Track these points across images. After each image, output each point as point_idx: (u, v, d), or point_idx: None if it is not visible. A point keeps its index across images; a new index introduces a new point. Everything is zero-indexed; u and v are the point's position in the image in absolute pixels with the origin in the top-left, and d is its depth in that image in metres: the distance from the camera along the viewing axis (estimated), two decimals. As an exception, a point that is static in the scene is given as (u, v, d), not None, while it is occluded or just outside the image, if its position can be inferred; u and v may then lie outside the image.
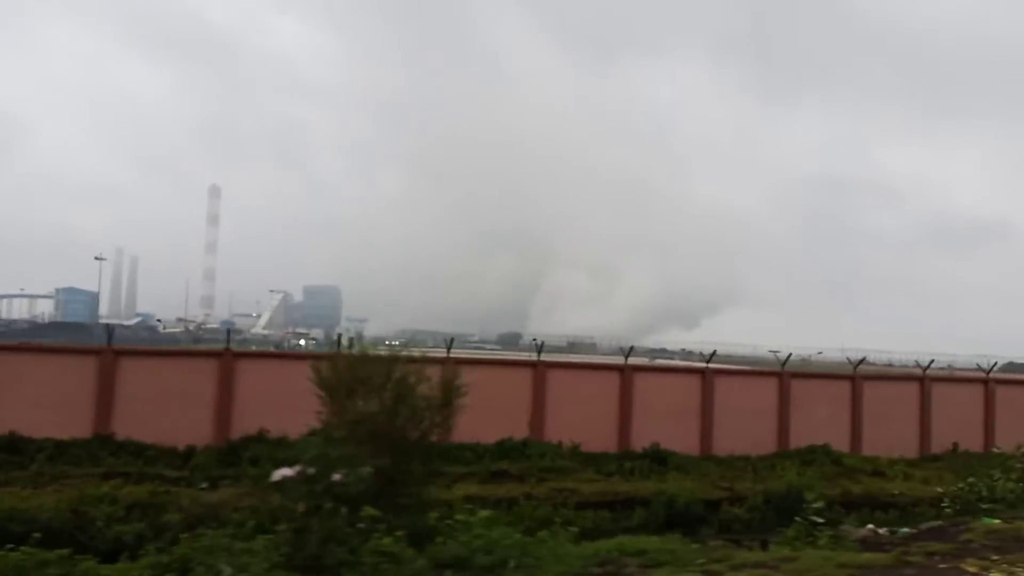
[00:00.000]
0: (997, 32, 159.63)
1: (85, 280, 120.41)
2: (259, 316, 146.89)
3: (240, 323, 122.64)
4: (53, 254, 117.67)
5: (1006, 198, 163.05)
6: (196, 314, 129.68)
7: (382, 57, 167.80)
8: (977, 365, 26.87)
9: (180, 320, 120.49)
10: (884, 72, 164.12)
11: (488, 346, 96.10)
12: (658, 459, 18.87)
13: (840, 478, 18.37)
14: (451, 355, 18.31)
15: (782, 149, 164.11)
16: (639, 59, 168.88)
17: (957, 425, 23.28)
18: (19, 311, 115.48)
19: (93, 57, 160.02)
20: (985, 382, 24.13)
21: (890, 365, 50.67)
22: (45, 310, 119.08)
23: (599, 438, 19.52)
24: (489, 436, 17.98)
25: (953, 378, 26.25)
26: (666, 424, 20.15)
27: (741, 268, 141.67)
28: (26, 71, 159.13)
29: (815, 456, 20.58)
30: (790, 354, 27.58)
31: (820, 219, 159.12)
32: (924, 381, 23.38)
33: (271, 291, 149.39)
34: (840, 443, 21.53)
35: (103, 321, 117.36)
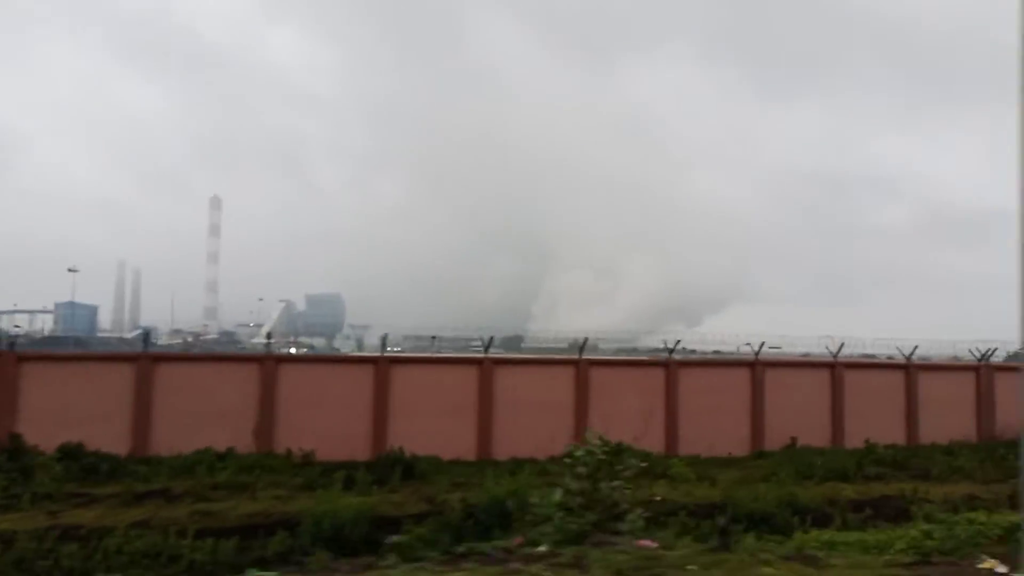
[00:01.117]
0: (994, 17, 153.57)
1: (89, 295, 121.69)
2: (260, 326, 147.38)
3: (242, 333, 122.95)
4: (54, 269, 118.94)
5: (1008, 186, 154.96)
6: (198, 325, 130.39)
7: (377, 65, 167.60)
8: (898, 350, 24.67)
9: (176, 331, 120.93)
10: (879, 64, 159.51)
11: (493, 350, 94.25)
12: (406, 467, 16.68)
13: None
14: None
15: (779, 145, 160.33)
16: (631, 59, 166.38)
17: (799, 416, 20.86)
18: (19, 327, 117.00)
19: (90, 73, 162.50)
20: (832, 366, 21.61)
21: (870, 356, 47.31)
22: (45, 325, 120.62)
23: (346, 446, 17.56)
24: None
25: (790, 363, 23.69)
26: (438, 424, 18.15)
27: (743, 264, 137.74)
28: (24, 88, 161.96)
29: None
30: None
31: (820, 213, 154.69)
32: (756, 367, 20.94)
33: (278, 300, 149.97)
34: (651, 441, 19.27)
35: (102, 335, 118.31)
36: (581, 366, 19.56)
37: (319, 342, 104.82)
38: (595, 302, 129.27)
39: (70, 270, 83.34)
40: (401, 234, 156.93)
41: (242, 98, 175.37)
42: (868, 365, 24.26)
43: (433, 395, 18.34)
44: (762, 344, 21.29)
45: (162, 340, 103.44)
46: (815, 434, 20.67)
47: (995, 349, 23.18)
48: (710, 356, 34.59)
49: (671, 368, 20.12)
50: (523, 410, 18.70)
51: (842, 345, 22.05)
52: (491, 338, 20.28)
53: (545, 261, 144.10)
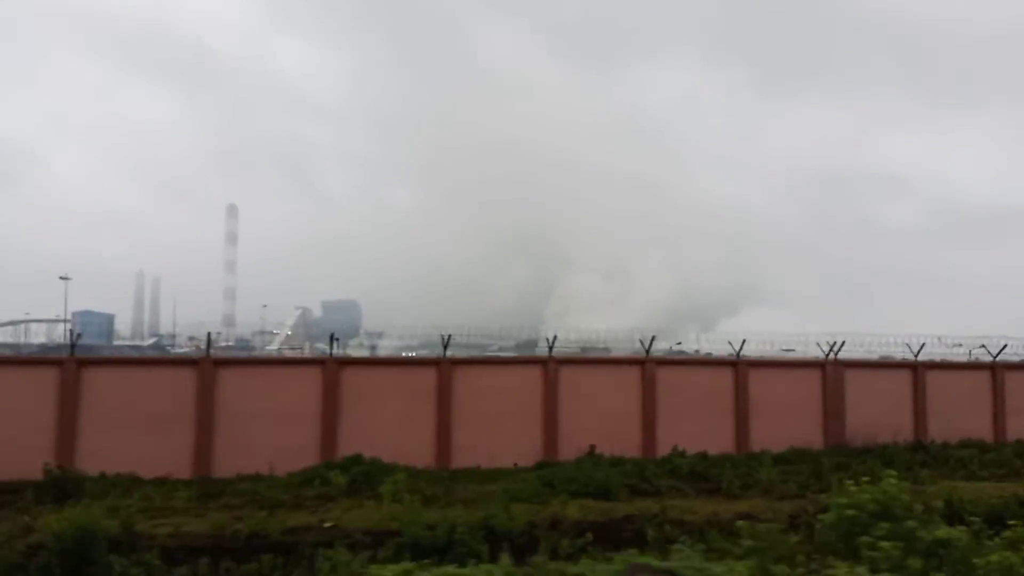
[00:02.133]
0: (1007, 15, 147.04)
1: (109, 305, 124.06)
2: (277, 333, 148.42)
3: (258, 340, 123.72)
4: (73, 280, 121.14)
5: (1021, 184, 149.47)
6: (216, 332, 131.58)
7: (384, 73, 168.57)
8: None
9: (191, 339, 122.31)
10: (887, 61, 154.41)
11: (506, 354, 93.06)
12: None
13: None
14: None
15: (788, 145, 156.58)
16: (637, 62, 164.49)
17: (601, 421, 18.56)
18: (36, 336, 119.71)
19: (102, 87, 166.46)
20: (642, 363, 19.20)
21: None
22: (62, 334, 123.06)
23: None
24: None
25: (590, 360, 21.32)
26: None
27: (756, 266, 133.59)
28: (39, 102, 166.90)
29: (364, 467, 16.30)
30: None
31: (833, 213, 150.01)
32: (548, 365, 18.66)
33: (294, 307, 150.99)
34: (418, 451, 17.32)
35: (118, 343, 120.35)
36: (329, 366, 17.77)
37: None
38: (607, 305, 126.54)
39: (62, 278, 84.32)
40: (414, 240, 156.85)
41: (253, 108, 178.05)
42: (692, 362, 21.87)
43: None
44: (552, 341, 19.34)
45: (179, 349, 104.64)
46: (621, 441, 18.34)
47: (842, 343, 20.61)
48: (491, 355, 32.15)
49: (443, 367, 18.02)
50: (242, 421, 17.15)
51: (671, 344, 19.76)
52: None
53: (558, 264, 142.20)
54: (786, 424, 19.45)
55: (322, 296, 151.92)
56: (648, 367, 19.04)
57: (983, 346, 22.98)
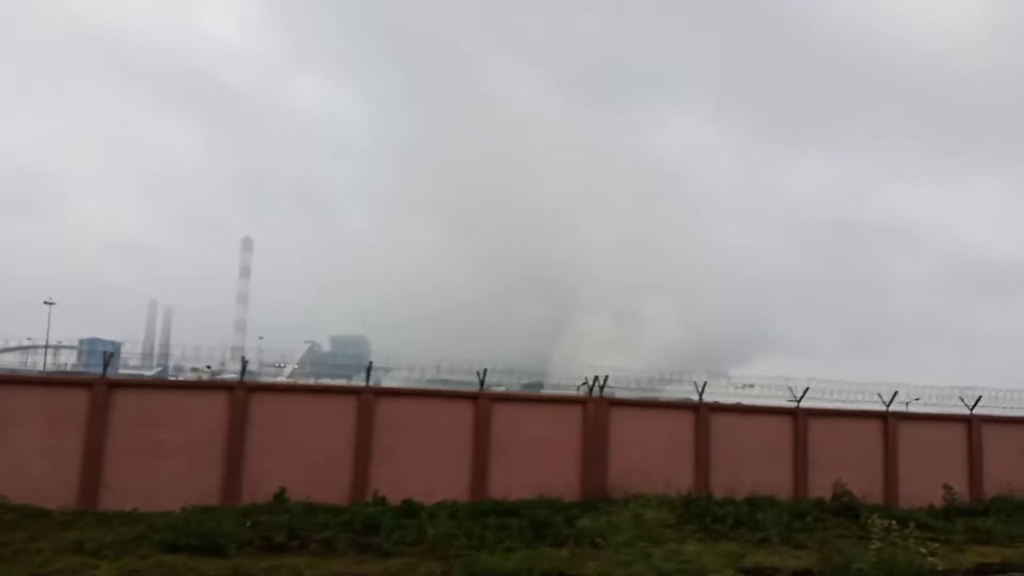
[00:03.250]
0: (1013, 65, 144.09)
1: (121, 333, 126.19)
2: (284, 366, 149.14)
3: (267, 373, 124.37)
4: (85, 307, 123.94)
5: None
6: (227, 364, 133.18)
7: (401, 111, 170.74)
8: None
9: (194, 370, 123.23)
10: (897, 112, 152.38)
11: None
12: None
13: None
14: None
15: (798, 193, 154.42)
16: (648, 105, 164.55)
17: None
18: (44, 362, 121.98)
19: (125, 118, 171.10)
20: (358, 392, 17.65)
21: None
22: (68, 361, 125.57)
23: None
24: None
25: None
26: None
27: (766, 315, 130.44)
28: (59, 131, 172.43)
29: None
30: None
31: (842, 262, 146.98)
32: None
33: (303, 341, 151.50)
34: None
35: (124, 372, 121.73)
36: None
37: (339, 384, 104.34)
38: (616, 347, 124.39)
39: (46, 303, 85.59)
40: (426, 277, 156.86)
41: (271, 143, 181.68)
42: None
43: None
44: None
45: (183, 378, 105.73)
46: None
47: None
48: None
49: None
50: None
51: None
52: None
53: (567, 305, 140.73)
54: (543, 468, 17.93)
55: (332, 331, 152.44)
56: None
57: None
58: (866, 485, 19.70)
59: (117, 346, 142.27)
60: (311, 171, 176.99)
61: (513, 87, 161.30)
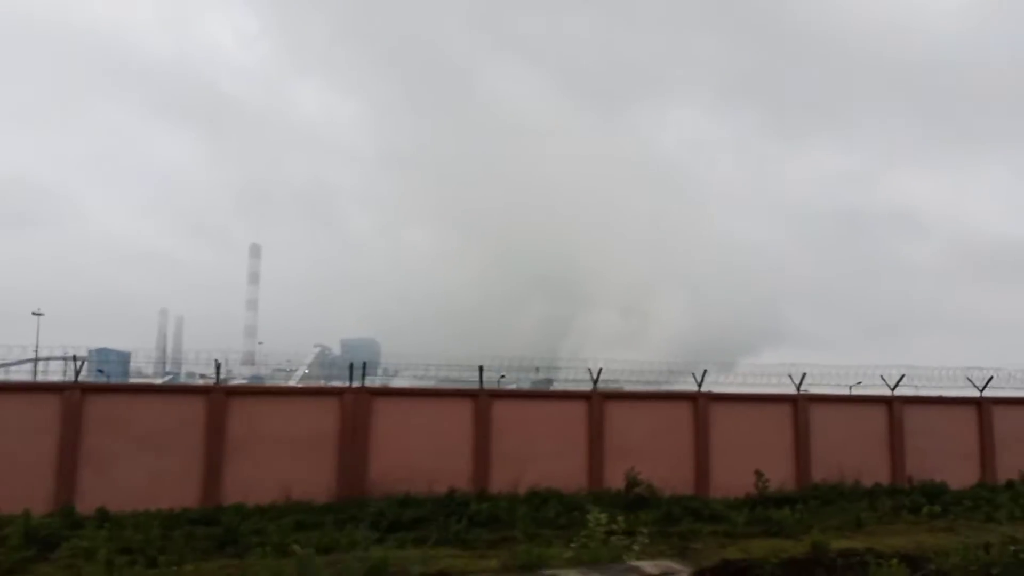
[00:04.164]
0: (1018, 52, 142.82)
1: (132, 342, 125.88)
2: (294, 371, 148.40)
3: (276, 377, 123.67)
4: (97, 318, 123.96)
5: None
6: (237, 370, 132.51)
7: (402, 115, 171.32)
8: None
9: (202, 376, 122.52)
10: (897, 101, 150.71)
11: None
12: None
13: None
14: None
15: (802, 185, 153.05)
16: (648, 105, 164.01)
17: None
18: (55, 373, 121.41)
19: (132, 131, 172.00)
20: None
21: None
22: (74, 372, 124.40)
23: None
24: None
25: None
26: None
27: (775, 307, 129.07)
28: (70, 146, 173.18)
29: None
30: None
31: (849, 251, 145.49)
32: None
33: (312, 346, 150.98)
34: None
35: (134, 381, 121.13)
36: None
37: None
38: (623, 343, 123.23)
39: (34, 313, 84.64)
40: (433, 279, 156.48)
41: (276, 150, 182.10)
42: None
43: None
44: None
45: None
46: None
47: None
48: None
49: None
50: None
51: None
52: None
53: (573, 303, 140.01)
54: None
55: (341, 334, 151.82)
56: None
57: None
58: (677, 473, 18.36)
59: (127, 356, 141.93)
60: (315, 177, 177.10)
61: (514, 88, 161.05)
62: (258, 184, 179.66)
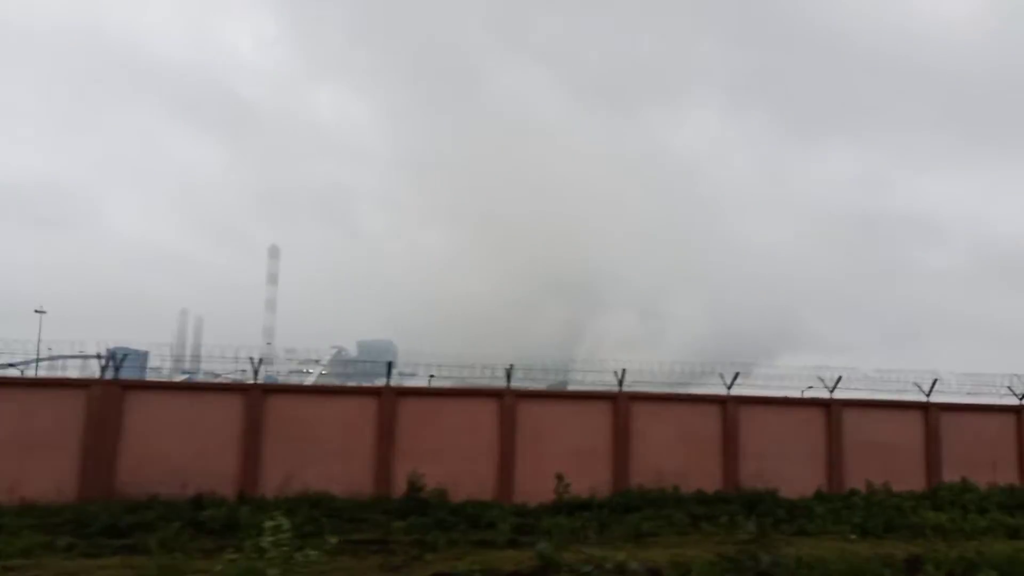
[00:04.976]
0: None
1: (152, 343, 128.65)
2: (311, 372, 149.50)
3: (293, 379, 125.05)
4: (119, 318, 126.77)
5: None
6: (236, 371, 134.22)
7: (416, 117, 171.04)
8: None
9: (216, 376, 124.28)
10: (913, 103, 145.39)
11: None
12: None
13: None
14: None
15: (818, 187, 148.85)
16: (660, 106, 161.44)
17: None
18: (72, 372, 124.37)
19: (151, 134, 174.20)
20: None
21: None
22: (95, 371, 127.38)
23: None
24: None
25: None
26: None
27: (791, 310, 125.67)
28: (90, 148, 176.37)
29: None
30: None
31: (866, 256, 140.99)
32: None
33: (330, 347, 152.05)
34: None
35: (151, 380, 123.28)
36: None
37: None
38: (639, 345, 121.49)
39: (36, 311, 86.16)
40: (449, 280, 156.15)
41: (293, 153, 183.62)
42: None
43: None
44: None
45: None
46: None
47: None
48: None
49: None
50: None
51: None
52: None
53: (589, 305, 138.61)
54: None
55: (360, 335, 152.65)
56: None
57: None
58: (476, 477, 17.05)
59: (144, 355, 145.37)
60: (332, 180, 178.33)
61: (530, 90, 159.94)
62: (277, 187, 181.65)
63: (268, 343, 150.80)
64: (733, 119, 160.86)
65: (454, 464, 16.96)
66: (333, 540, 11.03)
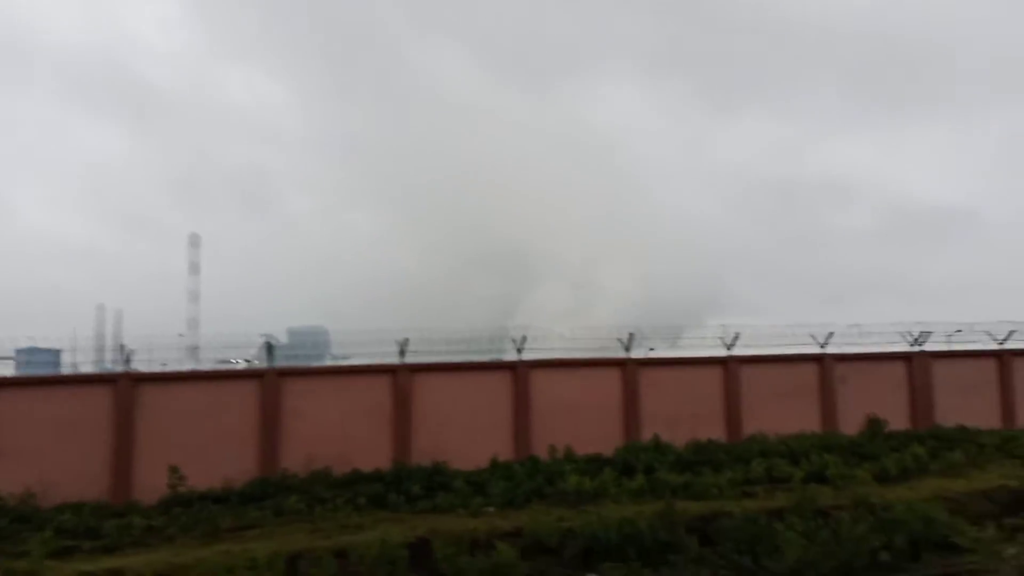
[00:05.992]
0: (946, 21, 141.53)
1: (67, 341, 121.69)
2: (238, 362, 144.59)
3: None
4: (31, 316, 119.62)
5: (968, 185, 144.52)
6: (181, 363, 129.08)
7: (333, 98, 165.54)
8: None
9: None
10: (826, 71, 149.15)
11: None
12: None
13: None
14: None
15: (738, 157, 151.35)
16: (577, 79, 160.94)
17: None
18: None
19: (53, 124, 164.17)
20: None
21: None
22: (5, 372, 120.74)
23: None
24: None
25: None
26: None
27: (717, 276, 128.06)
28: None
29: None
30: None
31: (786, 221, 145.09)
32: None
33: (257, 335, 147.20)
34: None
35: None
36: None
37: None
38: (570, 317, 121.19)
39: None
40: (378, 262, 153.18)
41: (206, 137, 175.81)
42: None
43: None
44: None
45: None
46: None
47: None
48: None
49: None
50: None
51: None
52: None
53: (519, 280, 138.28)
54: None
55: (289, 323, 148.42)
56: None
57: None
58: (85, 474, 14.29)
59: (57, 354, 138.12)
60: (250, 164, 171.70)
61: (444, 67, 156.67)
62: (193, 174, 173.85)
63: (180, 335, 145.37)
64: (651, 92, 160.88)
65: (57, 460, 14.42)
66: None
